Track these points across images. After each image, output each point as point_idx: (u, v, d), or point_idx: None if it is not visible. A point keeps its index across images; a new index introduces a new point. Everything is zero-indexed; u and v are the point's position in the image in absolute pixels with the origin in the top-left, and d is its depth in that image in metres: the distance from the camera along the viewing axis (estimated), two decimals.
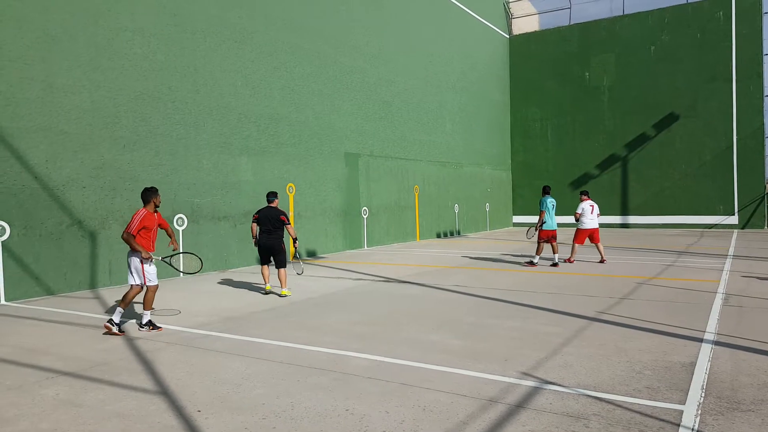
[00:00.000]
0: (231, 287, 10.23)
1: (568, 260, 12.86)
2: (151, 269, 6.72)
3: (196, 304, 8.53)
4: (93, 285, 10.21)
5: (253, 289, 9.99)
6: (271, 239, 9.01)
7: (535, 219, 27.32)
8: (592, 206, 12.97)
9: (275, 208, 9.08)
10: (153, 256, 6.76)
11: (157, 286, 6.83)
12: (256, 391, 4.56)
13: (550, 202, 12.22)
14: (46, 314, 7.98)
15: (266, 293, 9.25)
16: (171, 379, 4.88)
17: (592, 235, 12.88)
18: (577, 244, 12.96)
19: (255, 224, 9.19)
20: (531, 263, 12.30)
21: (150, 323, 6.81)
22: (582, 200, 13.10)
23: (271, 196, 9.20)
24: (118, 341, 6.29)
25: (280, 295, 9.04)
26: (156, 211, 6.87)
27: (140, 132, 11.07)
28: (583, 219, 12.89)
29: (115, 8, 10.67)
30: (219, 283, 10.82)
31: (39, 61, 9.51)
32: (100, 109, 10.38)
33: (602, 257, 12.80)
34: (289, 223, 9.05)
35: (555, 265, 12.11)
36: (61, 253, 9.73)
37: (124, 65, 10.78)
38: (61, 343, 6.30)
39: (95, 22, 10.34)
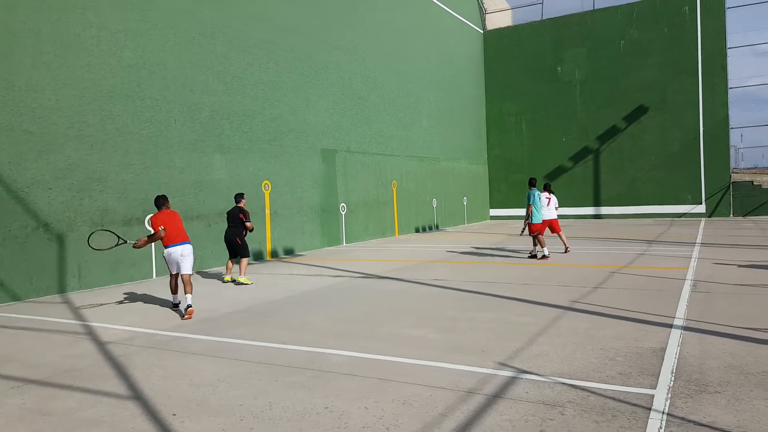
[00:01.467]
0: (206, 288, 10.10)
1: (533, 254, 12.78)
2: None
3: (170, 306, 8.39)
4: (61, 289, 9.96)
5: (228, 289, 9.88)
6: (228, 233, 10.35)
7: (512, 212, 27.67)
8: (548, 198, 12.94)
9: (238, 206, 10.34)
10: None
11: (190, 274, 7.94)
12: (232, 392, 4.50)
13: (538, 194, 12.22)
14: (12, 321, 7.77)
15: (224, 282, 10.41)
16: (145, 384, 4.80)
17: (552, 226, 12.92)
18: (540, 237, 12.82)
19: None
20: (544, 257, 12.05)
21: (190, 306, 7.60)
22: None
23: (238, 196, 10.50)
24: (88, 346, 6.16)
25: (236, 282, 10.06)
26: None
27: (108, 131, 10.82)
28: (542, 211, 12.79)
29: (81, 4, 10.40)
30: (194, 284, 10.64)
31: (1, 58, 9.22)
32: (65, 107, 10.12)
33: (566, 247, 13.05)
34: (247, 221, 10.21)
35: (533, 256, 12.21)
36: (27, 257, 9.46)
37: (90, 62, 10.52)
38: (28, 350, 6.13)
39: (59, 18, 10.06)
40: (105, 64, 10.78)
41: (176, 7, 12.26)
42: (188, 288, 7.70)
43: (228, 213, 10.54)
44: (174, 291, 8.19)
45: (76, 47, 10.29)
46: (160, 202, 8.11)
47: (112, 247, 7.89)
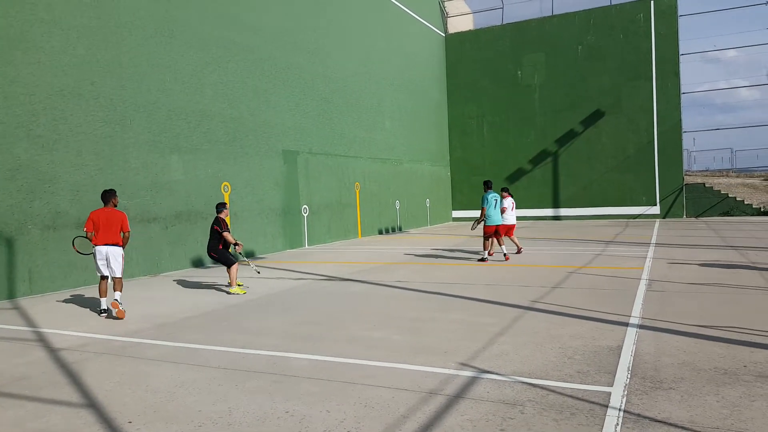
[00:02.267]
0: (164, 292, 9.86)
1: (491, 254, 12.75)
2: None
3: (127, 311, 8.14)
4: (11, 295, 9.56)
5: (188, 293, 9.66)
6: (208, 246, 9.49)
7: (475, 213, 27.98)
8: (513, 204, 13.06)
9: (216, 217, 9.50)
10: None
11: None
12: (190, 398, 4.40)
13: (492, 197, 12.17)
14: None
15: (230, 294, 9.21)
16: (99, 391, 4.64)
17: (509, 231, 12.88)
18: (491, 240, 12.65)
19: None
20: (483, 260, 12.14)
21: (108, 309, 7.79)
22: (504, 197, 12.89)
23: (219, 207, 9.58)
24: (40, 354, 5.92)
25: (229, 293, 9.22)
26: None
27: (60, 131, 10.45)
28: (505, 215, 12.67)
29: None
30: (151, 288, 10.40)
31: None
32: (14, 106, 9.71)
33: (518, 248, 13.28)
34: (224, 231, 9.28)
35: (506, 257, 12.18)
36: None
37: (40, 59, 10.14)
38: None
39: (6, 14, 9.65)
40: (56, 61, 10.40)
41: (132, 4, 11.94)
42: (118, 287, 7.65)
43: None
44: (102, 294, 7.78)
45: (24, 44, 9.89)
46: (106, 197, 7.84)
47: (89, 254, 7.96)
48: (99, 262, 7.70)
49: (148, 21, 12.29)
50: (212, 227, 9.47)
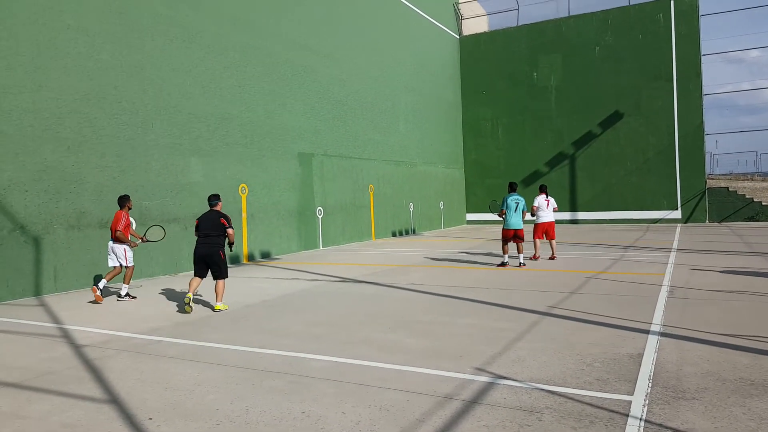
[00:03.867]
0: (183, 292, 9.99)
1: (534, 257, 12.79)
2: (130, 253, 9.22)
3: (148, 310, 8.29)
4: (37, 292, 9.77)
5: (206, 293, 9.78)
6: (208, 246, 7.95)
7: (489, 216, 27.86)
8: (548, 200, 13.14)
9: (216, 211, 8.14)
10: (138, 243, 9.39)
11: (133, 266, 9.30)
12: (209, 396, 4.47)
13: (512, 200, 11.74)
14: None
15: (185, 304, 7.84)
16: (121, 387, 4.73)
17: (548, 231, 12.95)
18: (537, 240, 12.98)
19: (197, 233, 8.10)
20: (503, 264, 11.86)
21: (128, 294, 9.21)
22: (540, 194, 13.21)
23: (213, 199, 8.25)
24: (64, 350, 6.05)
25: (213, 310, 8.04)
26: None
27: (85, 133, 10.66)
28: (538, 213, 13.06)
29: (58, 6, 10.24)
30: (171, 287, 10.55)
31: None
32: (42, 110, 9.94)
33: (553, 253, 12.95)
34: (231, 227, 8.03)
35: (521, 265, 11.70)
36: (2, 259, 9.26)
37: (67, 65, 10.36)
38: (3, 352, 6.00)
39: (36, 21, 9.89)
40: (82, 67, 10.62)
41: (154, 10, 12.14)
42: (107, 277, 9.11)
43: (200, 220, 8.09)
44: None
45: (52, 49, 10.12)
46: (121, 202, 9.24)
47: (159, 239, 9.92)
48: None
49: (170, 27, 12.48)
50: (215, 221, 8.00)
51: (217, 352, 5.82)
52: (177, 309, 8.25)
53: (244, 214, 14.27)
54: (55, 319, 7.78)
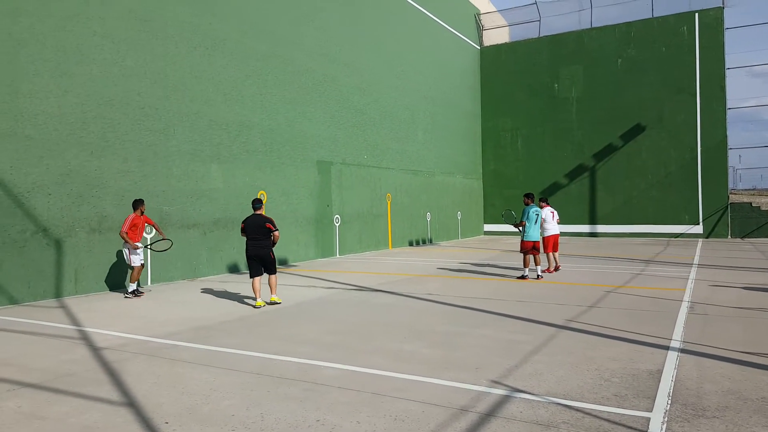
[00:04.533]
0: (201, 296, 10.08)
1: (549, 270, 12.62)
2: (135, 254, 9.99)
3: (165, 314, 8.38)
4: (58, 294, 9.93)
5: (223, 298, 9.85)
6: (257, 248, 8.76)
7: (506, 227, 27.68)
8: (552, 212, 12.94)
9: (261, 215, 8.86)
10: (139, 245, 10.02)
11: (142, 266, 10.13)
12: (225, 402, 4.49)
13: (533, 211, 11.63)
14: (8, 324, 7.73)
15: (257, 308, 8.68)
16: (138, 391, 4.78)
17: (555, 243, 12.78)
18: (549, 253, 12.69)
19: (243, 234, 8.92)
20: (523, 277, 11.68)
21: (135, 291, 9.93)
22: (542, 207, 12.73)
23: (257, 203, 8.95)
24: (83, 352, 6.13)
25: (269, 302, 8.96)
26: (143, 214, 10.17)
27: (108, 138, 10.85)
28: (546, 226, 12.64)
29: (85, 13, 10.48)
30: (189, 292, 10.65)
31: (5, 64, 9.27)
32: (67, 114, 10.15)
33: (557, 264, 12.71)
34: (276, 230, 8.80)
35: (539, 277, 11.59)
36: (25, 261, 9.45)
37: (92, 71, 10.58)
38: (24, 353, 6.10)
39: (63, 27, 10.13)
40: (107, 73, 10.83)
41: (178, 18, 12.35)
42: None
43: (248, 222, 8.83)
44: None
45: (78, 55, 10.35)
46: (135, 205, 10.13)
47: (163, 250, 10.70)
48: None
49: (193, 34, 12.69)
50: (261, 225, 8.71)
51: (233, 357, 5.85)
52: (195, 313, 8.31)
53: None
54: (74, 322, 7.89)
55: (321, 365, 5.49)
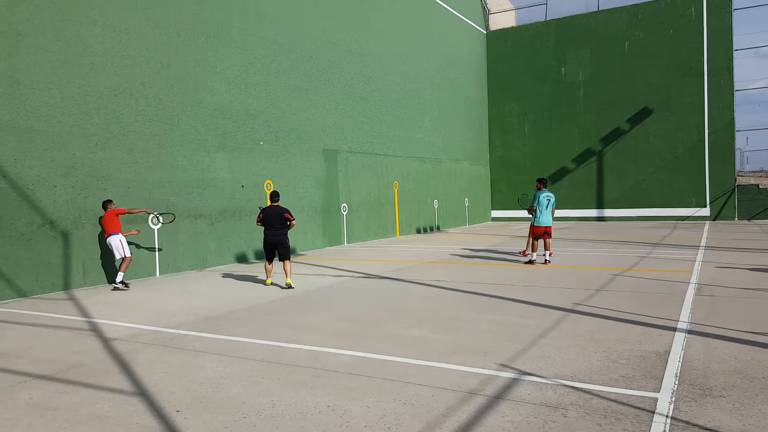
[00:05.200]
0: (209, 286, 10.12)
1: (524, 253, 12.63)
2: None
3: (174, 304, 8.43)
4: (66, 286, 10.00)
5: (232, 287, 9.90)
6: (277, 236, 9.65)
7: (514, 213, 27.63)
8: (548, 199, 11.69)
9: (279, 206, 9.70)
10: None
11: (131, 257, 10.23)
12: (235, 390, 4.52)
13: (544, 197, 11.51)
14: (18, 317, 7.80)
15: (267, 285, 9.89)
16: (149, 380, 4.81)
17: (547, 230, 11.71)
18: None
19: (260, 224, 9.74)
20: (530, 262, 11.74)
21: (123, 282, 9.93)
22: (538, 189, 11.82)
23: (275, 195, 9.89)
24: (93, 343, 6.18)
25: (284, 286, 9.56)
26: (107, 209, 10.15)
27: (112, 129, 10.86)
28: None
29: (85, 2, 10.44)
30: (197, 282, 10.70)
31: (5, 56, 9.25)
32: (70, 105, 10.15)
33: (550, 251, 11.98)
34: (294, 220, 9.70)
35: (546, 262, 11.59)
36: (32, 253, 9.51)
37: (94, 61, 10.56)
38: (34, 345, 6.16)
39: (64, 17, 10.10)
40: (109, 63, 10.81)
41: (180, 6, 12.29)
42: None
43: (266, 212, 9.68)
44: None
45: (80, 46, 10.32)
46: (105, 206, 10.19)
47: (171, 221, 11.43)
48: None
49: (195, 22, 12.62)
50: (280, 215, 9.59)
51: (243, 346, 5.88)
52: (204, 303, 8.36)
53: None
54: (84, 313, 7.95)
55: (330, 352, 5.51)
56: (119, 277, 9.90)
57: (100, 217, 10.35)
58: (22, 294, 9.34)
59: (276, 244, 9.69)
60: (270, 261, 9.93)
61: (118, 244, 9.95)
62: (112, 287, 9.97)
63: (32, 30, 9.62)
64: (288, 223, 9.65)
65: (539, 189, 11.73)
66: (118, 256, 10.03)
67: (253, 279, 10.79)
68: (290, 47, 15.38)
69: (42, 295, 9.53)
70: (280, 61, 15.02)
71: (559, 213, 26.25)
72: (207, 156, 12.82)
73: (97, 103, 10.60)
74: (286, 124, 15.16)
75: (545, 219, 11.56)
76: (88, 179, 10.41)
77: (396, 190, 20.31)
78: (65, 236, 10.01)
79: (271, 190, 10.29)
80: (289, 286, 9.44)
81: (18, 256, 9.31)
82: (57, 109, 9.96)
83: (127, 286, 9.98)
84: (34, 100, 9.62)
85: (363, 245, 17.31)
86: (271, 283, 9.95)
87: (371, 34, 19.14)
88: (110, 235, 9.95)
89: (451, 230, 23.47)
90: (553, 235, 12.67)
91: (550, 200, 11.64)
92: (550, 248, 11.80)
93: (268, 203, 10.12)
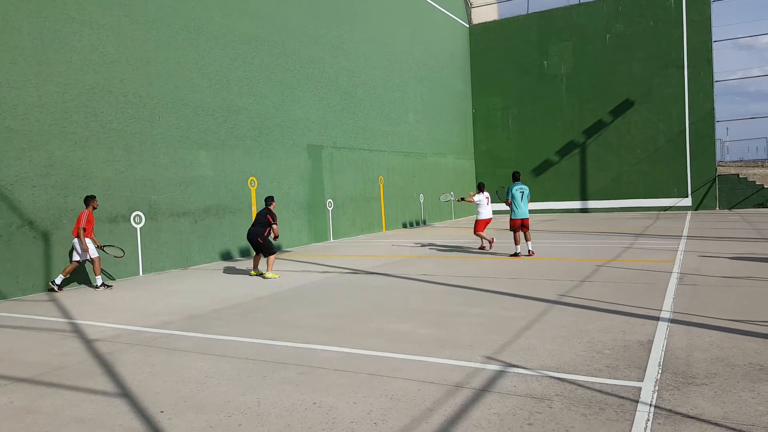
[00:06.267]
0: (194, 285, 10.04)
1: (482, 247, 13.52)
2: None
3: (158, 303, 8.34)
4: (48, 287, 9.85)
5: (217, 286, 9.83)
6: (251, 234, 10.46)
7: (500, 206, 27.70)
8: (488, 198, 13.60)
9: (267, 209, 10.55)
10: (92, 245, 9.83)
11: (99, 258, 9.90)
12: (220, 389, 4.48)
13: (517, 189, 11.73)
14: None
15: (251, 275, 10.69)
16: (132, 381, 4.76)
17: (488, 225, 13.53)
18: (481, 233, 13.39)
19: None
20: (515, 254, 11.83)
21: (103, 284, 9.89)
22: (479, 192, 13.66)
23: (268, 200, 10.69)
24: (75, 344, 6.09)
25: (264, 277, 10.27)
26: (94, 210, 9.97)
27: (92, 127, 10.69)
28: (480, 209, 13.46)
29: None
30: (181, 281, 10.60)
31: None
32: (48, 104, 9.97)
33: (491, 241, 13.37)
34: (274, 223, 10.37)
35: (530, 253, 11.73)
36: (12, 254, 9.34)
37: (72, 58, 10.37)
38: (15, 348, 6.06)
39: (40, 14, 9.90)
40: (87, 60, 10.63)
41: (158, 2, 12.12)
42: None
43: (257, 213, 10.78)
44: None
45: (56, 43, 10.14)
46: (87, 201, 9.87)
47: (117, 256, 10.50)
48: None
49: (175, 18, 12.46)
50: (264, 216, 10.41)
51: (228, 344, 5.84)
52: (188, 302, 8.29)
53: (254, 207, 14.30)
54: (65, 314, 7.84)
55: (317, 349, 5.49)
56: (98, 280, 9.86)
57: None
58: (2, 296, 9.19)
59: (250, 241, 10.53)
60: (257, 253, 10.67)
61: (78, 246, 9.67)
62: (95, 287, 9.95)
63: (7, 27, 9.42)
64: (267, 224, 10.36)
65: (513, 182, 12.05)
66: (77, 258, 9.71)
67: (238, 276, 10.72)
68: (272, 42, 15.26)
69: (22, 297, 9.37)
70: (262, 57, 14.90)
71: (543, 205, 26.51)
72: (189, 153, 12.69)
73: (76, 101, 10.42)
74: (269, 120, 15.05)
75: (521, 211, 11.79)
76: (68, 178, 10.25)
77: (381, 185, 20.30)
78: (45, 236, 9.85)
79: (267, 196, 11.43)
80: (268, 278, 10.13)
81: None
82: (35, 108, 9.77)
83: (110, 287, 9.95)
84: (10, 99, 9.43)
85: (349, 241, 17.29)
86: (255, 274, 10.68)
87: (354, 28, 19.05)
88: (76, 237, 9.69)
89: (437, 224, 23.52)
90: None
91: (524, 192, 11.86)
92: (530, 239, 11.98)
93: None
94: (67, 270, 9.67)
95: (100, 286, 9.81)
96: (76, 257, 9.71)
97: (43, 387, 4.72)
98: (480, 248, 13.51)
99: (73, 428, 3.83)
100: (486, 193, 13.63)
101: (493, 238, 13.55)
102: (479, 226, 13.43)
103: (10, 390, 4.68)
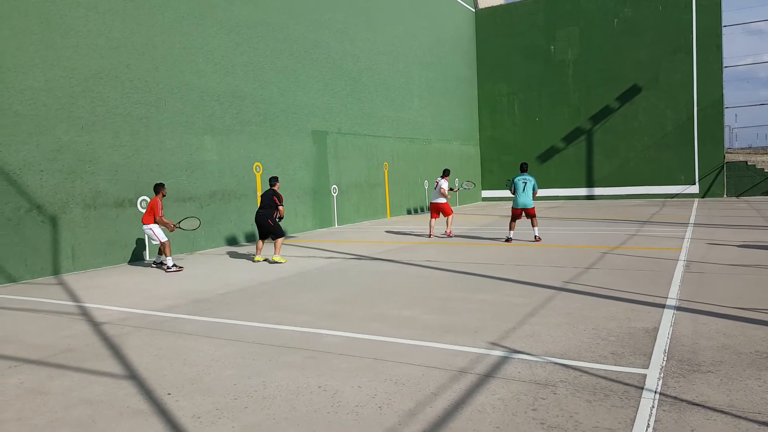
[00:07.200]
0: (200, 269, 10.10)
1: (448, 233, 13.74)
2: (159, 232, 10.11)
3: (165, 288, 8.40)
4: (56, 271, 9.93)
5: (223, 270, 9.88)
6: (260, 217, 10.44)
7: (505, 193, 27.66)
8: (524, 182, 13.16)
9: (272, 189, 10.54)
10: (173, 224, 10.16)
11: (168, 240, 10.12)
12: (226, 372, 4.53)
13: (520, 179, 12.17)
14: (7, 302, 7.75)
15: (254, 261, 10.60)
16: (139, 364, 4.81)
17: (442, 210, 13.79)
18: (434, 219, 13.98)
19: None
20: (508, 240, 12.26)
21: (175, 265, 9.98)
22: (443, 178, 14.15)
23: (272, 180, 10.70)
24: (83, 327, 6.16)
25: (271, 261, 10.35)
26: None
27: (98, 112, 10.70)
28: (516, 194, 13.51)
29: None
30: (188, 265, 10.66)
31: None
32: (54, 89, 9.98)
33: (447, 230, 13.81)
34: (281, 204, 10.38)
35: (537, 239, 12.01)
36: (21, 239, 9.42)
37: (78, 43, 10.35)
38: (24, 330, 6.13)
39: None
40: (93, 45, 10.61)
41: None
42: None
43: (262, 195, 10.72)
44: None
45: (63, 28, 10.11)
46: (157, 189, 10.21)
47: (193, 229, 10.60)
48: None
49: (180, 3, 12.38)
50: (270, 198, 10.39)
51: (234, 328, 5.88)
52: (194, 286, 8.34)
53: (258, 193, 14.32)
54: (73, 298, 7.91)
55: (322, 333, 5.53)
56: (169, 261, 9.89)
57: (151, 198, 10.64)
58: (11, 279, 9.27)
59: (259, 225, 10.47)
60: (261, 238, 10.60)
61: (151, 233, 10.02)
62: (165, 269, 9.93)
63: (13, 12, 9.40)
64: (275, 206, 10.33)
65: (520, 173, 12.51)
66: (155, 243, 10.25)
67: (244, 261, 10.77)
68: (277, 27, 15.16)
69: (31, 280, 9.46)
70: (267, 42, 14.81)
71: (549, 192, 26.40)
72: (195, 138, 12.69)
73: (83, 86, 10.42)
74: (274, 105, 15.01)
75: (522, 200, 12.16)
76: (75, 163, 10.28)
77: (386, 171, 20.26)
78: (53, 221, 9.91)
79: (269, 177, 11.36)
80: (275, 262, 10.21)
81: (6, 242, 9.22)
82: (41, 93, 9.78)
83: (181, 268, 10.05)
84: (18, 84, 9.44)
85: (354, 227, 17.31)
86: (260, 260, 10.56)
87: (359, 13, 18.89)
88: (145, 225, 10.05)
89: None
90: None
91: (526, 183, 12.21)
92: (536, 225, 12.29)
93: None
94: (168, 250, 9.91)
95: (172, 267, 9.87)
96: (163, 238, 9.99)
97: (52, 368, 4.78)
98: (448, 233, 13.81)
99: (82, 409, 3.89)
100: (443, 180, 14.09)
101: (433, 233, 13.80)
102: (433, 209, 14.04)
103: (20, 371, 4.74)
